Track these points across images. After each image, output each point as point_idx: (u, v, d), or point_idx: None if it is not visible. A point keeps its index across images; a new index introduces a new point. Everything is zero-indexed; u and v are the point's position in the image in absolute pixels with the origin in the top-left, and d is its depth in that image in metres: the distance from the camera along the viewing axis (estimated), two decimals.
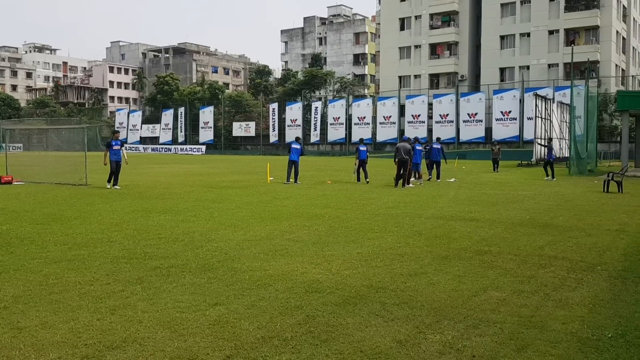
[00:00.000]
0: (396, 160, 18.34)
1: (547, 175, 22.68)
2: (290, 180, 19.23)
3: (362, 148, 20.06)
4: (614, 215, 11.71)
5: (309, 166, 32.30)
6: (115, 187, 17.16)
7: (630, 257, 7.49)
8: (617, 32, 53.71)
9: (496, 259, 7.29)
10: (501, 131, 50.47)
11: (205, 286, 5.69)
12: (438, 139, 25.48)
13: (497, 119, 51.11)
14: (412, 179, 20.50)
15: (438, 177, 21.54)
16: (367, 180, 19.88)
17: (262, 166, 28.65)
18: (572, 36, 53.15)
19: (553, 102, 39.50)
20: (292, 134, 62.32)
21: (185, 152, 66.80)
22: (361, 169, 20.01)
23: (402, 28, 61.57)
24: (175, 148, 69.42)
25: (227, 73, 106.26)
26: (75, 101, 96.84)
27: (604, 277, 6.36)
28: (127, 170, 27.73)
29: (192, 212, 11.54)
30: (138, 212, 11.40)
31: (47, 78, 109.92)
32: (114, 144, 17.95)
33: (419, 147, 20.63)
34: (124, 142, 18.74)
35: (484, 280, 6.14)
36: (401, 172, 18.24)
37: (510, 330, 4.52)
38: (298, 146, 19.98)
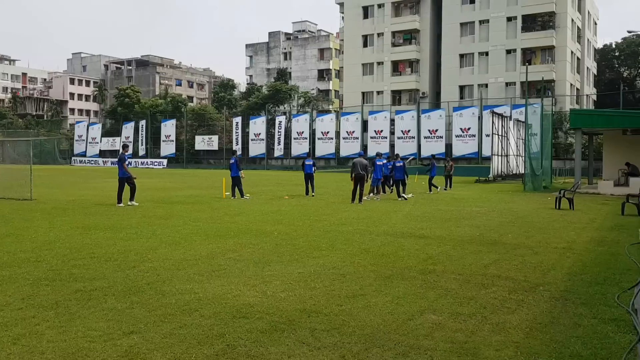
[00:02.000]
0: (352, 175, 18.21)
1: (433, 188, 24.38)
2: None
3: (308, 162, 20.61)
4: (563, 233, 11.76)
5: (269, 180, 31.97)
6: (133, 202, 16.21)
7: (573, 277, 7.42)
8: (572, 52, 55.30)
9: (439, 278, 7.11)
10: (461, 147, 51.12)
11: (126, 312, 5.32)
12: (397, 155, 25.03)
13: (456, 136, 51.73)
14: (371, 194, 20.41)
15: (399, 195, 21.25)
16: (313, 194, 20.44)
17: (221, 181, 28.14)
18: (528, 56, 54.46)
19: (510, 119, 40.28)
20: (256, 148, 61.96)
21: (146, 166, 65.46)
22: (309, 182, 20.53)
23: (365, 45, 62.08)
24: (135, 162, 67.91)
25: (191, 86, 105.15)
26: (34, 113, 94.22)
27: (545, 298, 6.24)
28: (79, 184, 26.93)
29: (134, 229, 11.08)
30: (77, 229, 10.88)
31: (5, 89, 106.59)
32: (126, 158, 17.15)
33: (379, 163, 20.50)
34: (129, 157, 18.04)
35: (423, 302, 5.94)
36: (357, 187, 18.10)
37: (441, 358, 4.31)
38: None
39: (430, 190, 24.20)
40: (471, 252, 9.13)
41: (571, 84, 55.52)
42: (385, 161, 20.86)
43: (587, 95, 60.47)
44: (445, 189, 25.96)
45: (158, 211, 14.67)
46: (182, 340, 4.54)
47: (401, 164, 20.50)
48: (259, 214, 14.43)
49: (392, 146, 53.93)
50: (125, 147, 18.29)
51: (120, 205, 15.99)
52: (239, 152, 61.20)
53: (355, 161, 18.51)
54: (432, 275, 7.30)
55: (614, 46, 70.80)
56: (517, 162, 39.80)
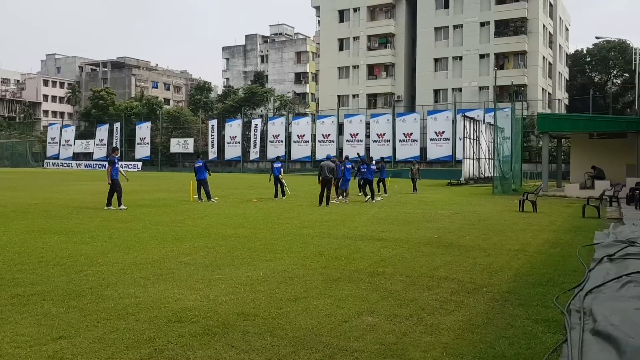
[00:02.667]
0: (320, 178, 18.27)
1: (367, 196, 20.88)
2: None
3: (277, 165, 20.81)
4: (519, 235, 11.94)
5: (241, 184, 31.87)
6: (122, 207, 15.98)
7: (519, 278, 7.55)
8: (544, 57, 56.26)
9: (386, 280, 7.18)
10: (435, 151, 51.60)
11: (60, 317, 5.27)
12: (347, 157, 23.72)
13: (431, 139, 52.21)
14: (340, 197, 20.49)
15: (373, 198, 21.29)
16: (284, 197, 20.88)
17: (186, 183, 27.98)
18: (501, 60, 55.27)
19: (482, 123, 40.77)
20: (232, 151, 61.73)
21: (120, 169, 64.78)
22: (277, 185, 20.89)
23: (340, 48, 62.38)
24: None
25: (167, 89, 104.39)
26: (6, 115, 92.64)
27: (485, 300, 6.34)
28: (47, 187, 26.53)
29: (91, 232, 10.96)
30: (32, 233, 10.73)
31: None
32: (117, 160, 16.97)
33: (348, 166, 20.59)
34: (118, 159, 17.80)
35: (363, 304, 5.99)
36: (325, 190, 18.16)
37: (367, 359, 4.35)
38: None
39: (372, 196, 21.12)
40: (424, 255, 9.23)
41: (543, 89, 56.47)
42: (353, 164, 20.97)
43: (558, 99, 61.54)
44: (413, 192, 25.81)
45: (120, 214, 14.53)
46: (110, 345, 4.52)
47: (350, 165, 20.58)
48: (223, 217, 14.39)
49: (367, 149, 54.25)
50: (115, 149, 18.22)
51: (109, 208, 16.00)
52: (214, 155, 61.08)
53: (322, 164, 18.57)
54: (380, 277, 7.36)
55: (585, 52, 72.15)
56: (489, 166, 40.28)
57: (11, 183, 29.29)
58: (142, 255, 8.59)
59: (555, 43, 60.69)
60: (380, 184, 24.13)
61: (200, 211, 15.77)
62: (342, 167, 20.30)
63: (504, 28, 54.80)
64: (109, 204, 16.16)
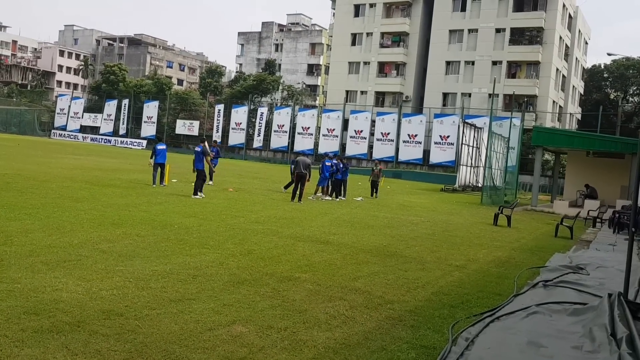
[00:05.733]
0: (294, 173, 18.04)
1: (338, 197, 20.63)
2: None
3: (160, 147, 18.77)
4: (473, 250, 11.63)
5: (232, 171, 31.68)
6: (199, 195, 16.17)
7: (435, 296, 7.28)
8: (558, 69, 55.32)
9: (293, 287, 6.94)
10: (438, 155, 51.04)
11: None
12: (326, 154, 22.91)
13: (435, 143, 51.64)
14: (319, 193, 20.27)
15: (344, 195, 21.23)
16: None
17: (184, 167, 27.89)
18: (514, 69, 54.46)
19: (485, 131, 40.20)
20: (236, 137, 61.60)
21: (125, 146, 64.99)
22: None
23: (353, 43, 61.81)
24: (115, 140, 67.49)
25: (182, 69, 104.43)
26: (19, 82, 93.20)
27: (380, 317, 6.09)
28: (34, 158, 26.55)
29: (33, 209, 10.82)
30: None
31: None
32: (201, 149, 17.06)
33: (327, 163, 20.36)
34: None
35: (246, 311, 5.76)
36: (298, 186, 17.92)
37: None
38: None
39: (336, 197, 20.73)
40: (357, 262, 8.97)
41: (554, 101, 55.58)
42: (334, 161, 20.66)
43: (570, 113, 60.58)
44: (371, 196, 23.03)
45: (81, 193, 14.39)
46: None
47: (329, 163, 20.20)
48: (182, 205, 14.20)
49: (370, 147, 53.88)
50: (202, 140, 17.64)
51: (196, 196, 16.05)
52: (218, 140, 60.97)
53: (298, 159, 18.33)
54: (289, 283, 7.13)
55: (602, 67, 70.89)
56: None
57: (1, 150, 29.37)
58: (63, 239, 8.42)
59: (571, 56, 59.65)
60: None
61: (163, 197, 15.59)
62: (321, 165, 20.14)
63: (519, 36, 53.92)
64: (195, 193, 16.26)
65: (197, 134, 64.94)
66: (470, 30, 55.70)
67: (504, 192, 29.95)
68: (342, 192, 21.11)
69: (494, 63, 54.59)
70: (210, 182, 20.59)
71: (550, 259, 11.35)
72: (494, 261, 10.58)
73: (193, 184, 16.88)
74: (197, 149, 17.25)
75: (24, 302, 5.30)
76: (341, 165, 20.67)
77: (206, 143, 17.60)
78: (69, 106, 74.78)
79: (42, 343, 4.36)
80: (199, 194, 16.36)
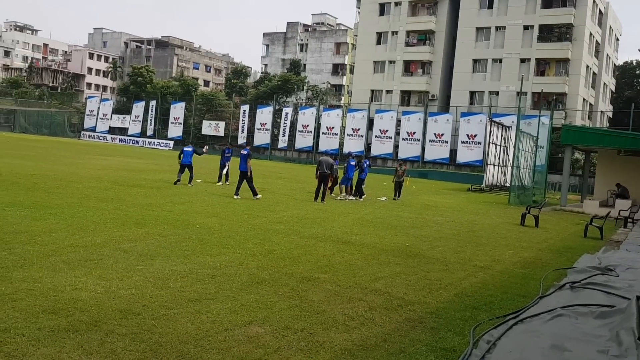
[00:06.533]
0: (317, 173, 17.97)
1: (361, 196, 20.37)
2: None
3: (187, 149, 19.60)
4: (499, 251, 11.40)
5: (257, 171, 31.71)
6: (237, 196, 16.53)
7: (457, 298, 7.13)
8: (588, 66, 54.15)
9: (313, 287, 6.87)
10: (465, 154, 50.40)
11: None
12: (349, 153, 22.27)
13: (462, 142, 51.00)
14: (343, 193, 20.15)
15: (360, 195, 20.89)
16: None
17: (208, 167, 28.16)
18: (542, 66, 53.47)
19: (513, 130, 39.55)
20: (261, 137, 61.80)
21: (152, 146, 65.82)
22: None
23: (378, 42, 61.49)
24: (143, 141, 68.40)
25: (208, 70, 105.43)
26: (50, 84, 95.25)
27: (400, 319, 5.98)
28: (63, 159, 27.02)
29: (58, 209, 10.97)
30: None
31: (25, 58, 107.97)
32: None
33: (352, 163, 20.27)
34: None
35: (263, 312, 5.71)
36: (321, 186, 17.86)
37: None
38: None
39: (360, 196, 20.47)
40: (378, 263, 8.86)
41: (584, 99, 54.41)
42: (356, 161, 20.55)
43: (601, 111, 59.24)
44: (394, 198, 21.75)
45: (106, 193, 14.57)
46: None
47: (353, 162, 20.16)
48: (205, 205, 14.26)
49: (396, 147, 53.50)
50: (249, 144, 18.86)
51: (237, 197, 16.37)
52: (242, 141, 61.38)
53: (321, 159, 18.26)
54: (309, 284, 7.06)
55: (634, 64, 69.20)
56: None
57: (30, 152, 29.97)
58: (86, 238, 8.50)
59: (602, 52, 58.33)
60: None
61: (186, 196, 15.69)
62: (346, 164, 20.04)
63: (548, 33, 52.91)
64: (255, 194, 16.65)
65: (222, 135, 65.42)
66: (497, 28, 54.89)
67: (533, 192, 29.41)
68: (360, 192, 20.79)
69: (522, 61, 53.70)
70: (227, 182, 20.86)
71: (579, 260, 11.04)
72: (520, 262, 10.35)
73: (218, 184, 17.04)
74: (244, 152, 17.38)
75: (43, 301, 5.34)
76: (365, 164, 20.53)
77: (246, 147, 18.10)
78: (98, 108, 76.09)
79: (58, 342, 4.38)
80: (238, 195, 16.70)
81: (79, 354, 4.21)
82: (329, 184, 19.15)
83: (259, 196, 16.65)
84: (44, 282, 5.94)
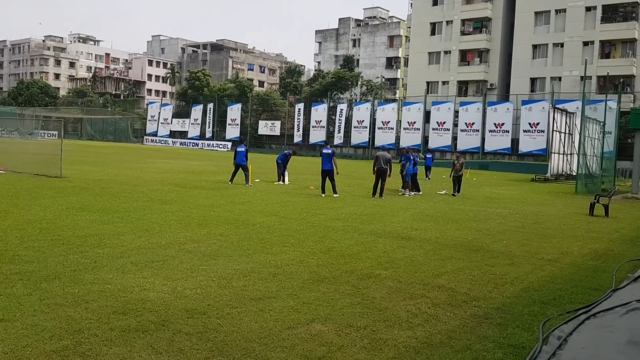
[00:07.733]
0: (375, 169, 17.84)
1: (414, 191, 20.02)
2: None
3: (326, 151, 18.09)
4: (567, 242, 10.96)
5: (313, 170, 31.87)
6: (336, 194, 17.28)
7: (524, 293, 6.89)
8: None
9: (374, 284, 6.82)
10: (528, 143, 48.83)
11: (20, 298, 5.46)
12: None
13: (524, 131, 49.41)
14: (406, 189, 19.86)
15: (418, 189, 20.58)
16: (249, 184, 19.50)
17: (266, 167, 28.53)
18: (607, 48, 51.06)
19: (578, 116, 37.98)
20: (316, 135, 62.04)
21: (211, 148, 67.37)
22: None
23: (432, 33, 60.47)
24: (202, 143, 70.14)
25: (262, 71, 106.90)
26: (113, 92, 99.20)
27: (465, 315, 5.83)
28: (128, 163, 28.08)
29: (125, 213, 11.38)
30: (70, 210, 11.32)
31: (89, 68, 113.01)
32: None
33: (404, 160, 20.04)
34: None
35: (325, 309, 5.71)
36: (379, 181, 17.72)
37: None
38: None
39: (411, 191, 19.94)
40: (440, 258, 8.70)
41: None
42: (411, 155, 20.27)
43: None
44: (454, 194, 20.52)
45: (169, 195, 15.01)
46: (37, 333, 4.60)
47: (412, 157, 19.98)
48: (263, 204, 14.44)
49: (454, 138, 52.50)
50: (327, 142, 21.10)
51: (323, 195, 17.20)
52: (299, 139, 61.67)
53: (378, 154, 18.11)
54: (370, 280, 7.01)
55: None
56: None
57: (97, 157, 31.30)
58: (152, 240, 8.77)
59: None
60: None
61: (245, 197, 15.94)
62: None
63: (612, 13, 50.44)
64: (335, 191, 17.32)
65: (279, 134, 66.18)
66: (557, 11, 52.84)
67: (601, 180, 28.19)
68: (415, 186, 20.48)
69: (585, 44, 51.49)
70: (287, 182, 20.99)
71: None
72: (590, 254, 9.91)
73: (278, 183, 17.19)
74: (327, 150, 17.99)
75: (113, 302, 5.54)
76: (418, 159, 20.24)
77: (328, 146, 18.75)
78: (159, 113, 78.63)
79: (128, 342, 4.53)
80: (324, 194, 17.32)
81: (148, 353, 4.34)
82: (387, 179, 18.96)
83: (337, 195, 17.24)
84: (113, 284, 6.17)
